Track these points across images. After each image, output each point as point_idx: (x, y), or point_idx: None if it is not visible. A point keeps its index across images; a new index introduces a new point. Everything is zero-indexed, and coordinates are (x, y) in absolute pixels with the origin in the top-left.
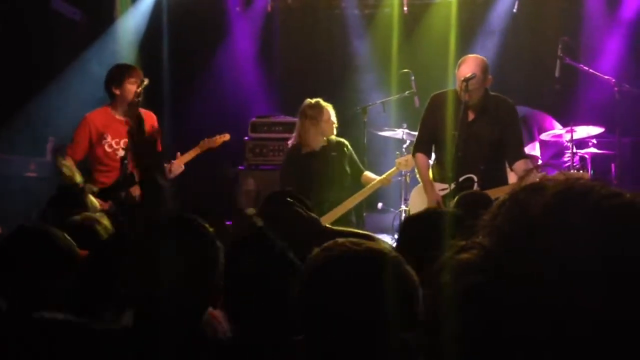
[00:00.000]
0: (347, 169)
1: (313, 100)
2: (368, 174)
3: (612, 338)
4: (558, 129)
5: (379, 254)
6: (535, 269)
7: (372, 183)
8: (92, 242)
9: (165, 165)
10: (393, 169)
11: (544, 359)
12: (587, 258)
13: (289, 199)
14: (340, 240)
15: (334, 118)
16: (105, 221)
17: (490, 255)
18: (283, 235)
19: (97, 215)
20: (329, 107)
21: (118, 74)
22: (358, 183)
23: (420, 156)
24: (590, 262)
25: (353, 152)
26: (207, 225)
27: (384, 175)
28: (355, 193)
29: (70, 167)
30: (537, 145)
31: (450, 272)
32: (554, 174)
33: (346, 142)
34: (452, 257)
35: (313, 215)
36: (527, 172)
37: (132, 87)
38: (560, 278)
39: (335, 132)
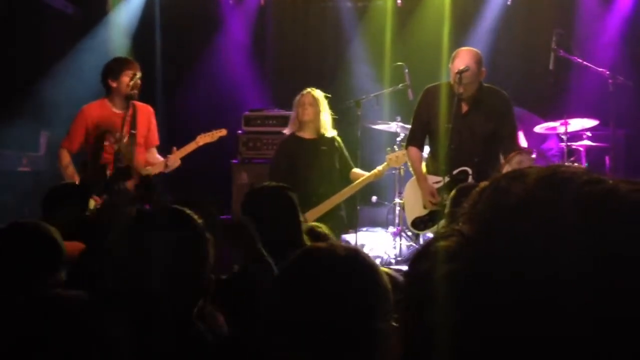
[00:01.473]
0: (337, 164)
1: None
2: (357, 170)
3: (596, 334)
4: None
5: (355, 254)
6: (515, 257)
7: (362, 179)
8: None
9: (162, 159)
10: (383, 165)
11: (519, 353)
12: (568, 246)
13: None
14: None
15: (319, 106)
16: None
17: (470, 242)
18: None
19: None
20: (313, 93)
21: (115, 67)
22: (346, 179)
23: (413, 149)
24: (572, 250)
25: (344, 148)
26: (196, 217)
27: (373, 171)
28: (343, 188)
29: None
30: (520, 134)
31: (429, 260)
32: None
33: (337, 138)
34: (432, 244)
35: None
36: (512, 155)
37: (128, 80)
38: (541, 267)
39: (322, 120)
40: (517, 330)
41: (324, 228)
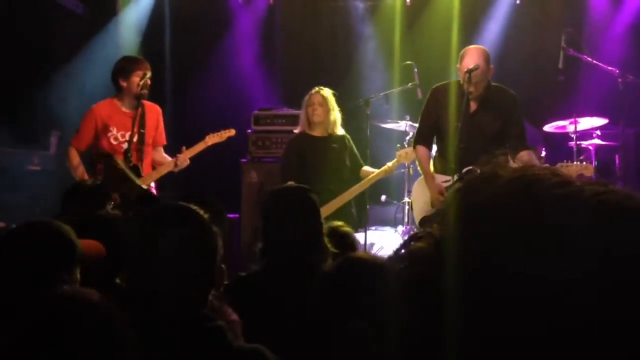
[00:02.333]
0: (347, 162)
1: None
2: (367, 168)
3: (558, 337)
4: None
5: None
6: (482, 259)
7: (372, 175)
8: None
9: (171, 158)
10: (394, 161)
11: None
12: (533, 248)
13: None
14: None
15: (328, 105)
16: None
17: (440, 244)
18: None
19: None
20: (322, 93)
21: (126, 67)
22: (357, 176)
23: (421, 148)
24: (537, 252)
25: (354, 146)
26: (201, 212)
27: (383, 167)
28: (353, 186)
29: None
30: None
31: (402, 261)
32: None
33: (347, 136)
34: (406, 245)
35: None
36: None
37: (138, 80)
38: (507, 268)
39: (332, 119)
40: (486, 330)
41: (345, 227)
